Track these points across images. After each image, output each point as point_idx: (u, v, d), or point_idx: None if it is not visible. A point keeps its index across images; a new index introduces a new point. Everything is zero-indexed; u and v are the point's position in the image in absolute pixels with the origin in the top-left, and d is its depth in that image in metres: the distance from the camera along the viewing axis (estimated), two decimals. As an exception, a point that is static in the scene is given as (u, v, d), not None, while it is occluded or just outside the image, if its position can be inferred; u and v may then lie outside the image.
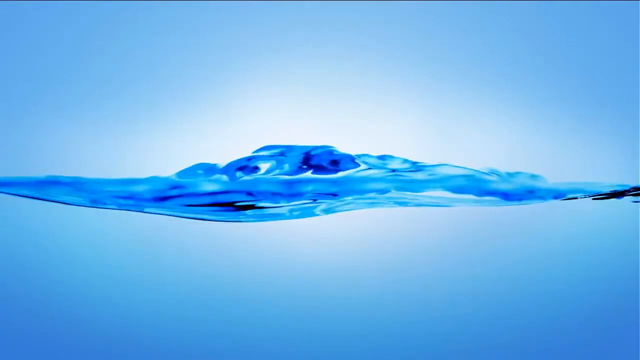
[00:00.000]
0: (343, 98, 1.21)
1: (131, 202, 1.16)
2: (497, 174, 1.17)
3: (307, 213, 1.19)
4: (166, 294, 1.22)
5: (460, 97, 1.21)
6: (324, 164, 1.17)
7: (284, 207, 1.18)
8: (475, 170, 1.17)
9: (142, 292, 1.22)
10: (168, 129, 1.20)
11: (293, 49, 1.21)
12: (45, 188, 1.15)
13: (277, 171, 1.16)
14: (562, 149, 1.20)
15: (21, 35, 1.20)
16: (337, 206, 1.19)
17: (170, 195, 1.15)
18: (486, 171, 1.17)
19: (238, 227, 1.22)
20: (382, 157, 1.18)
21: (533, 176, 1.17)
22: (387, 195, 1.16)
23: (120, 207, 1.17)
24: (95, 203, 1.17)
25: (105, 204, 1.17)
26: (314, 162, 1.16)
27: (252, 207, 1.16)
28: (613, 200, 1.20)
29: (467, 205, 1.19)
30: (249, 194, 1.15)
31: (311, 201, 1.17)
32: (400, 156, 1.19)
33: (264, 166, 1.16)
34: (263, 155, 1.17)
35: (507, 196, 1.16)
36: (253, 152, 1.17)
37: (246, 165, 1.16)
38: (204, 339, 1.22)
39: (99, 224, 1.22)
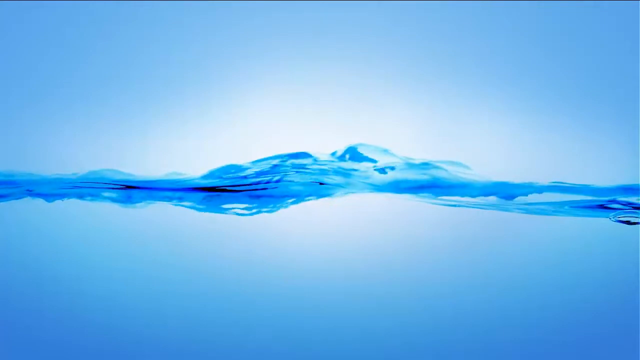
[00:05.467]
0: (343, 99, 1.21)
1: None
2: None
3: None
4: (163, 292, 1.22)
5: (460, 97, 1.21)
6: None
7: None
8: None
9: (140, 290, 1.22)
10: (168, 129, 1.20)
11: (293, 49, 1.21)
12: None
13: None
14: (561, 149, 1.20)
15: (21, 35, 1.20)
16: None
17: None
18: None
19: (234, 224, 1.22)
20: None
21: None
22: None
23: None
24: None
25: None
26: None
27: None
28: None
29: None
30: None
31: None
32: (398, 157, 1.19)
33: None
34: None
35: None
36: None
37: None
38: (200, 338, 1.22)
39: (97, 220, 1.22)
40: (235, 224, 1.21)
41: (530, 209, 1.20)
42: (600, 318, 1.23)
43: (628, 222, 1.18)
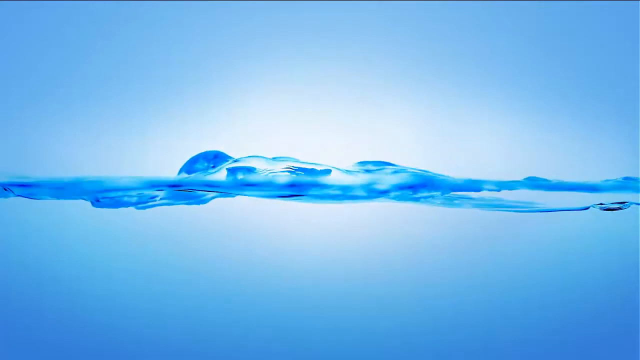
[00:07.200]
0: (343, 99, 1.21)
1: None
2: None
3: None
4: (163, 292, 1.22)
5: (460, 97, 1.21)
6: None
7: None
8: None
9: (140, 290, 1.22)
10: (168, 129, 1.20)
11: (293, 49, 1.21)
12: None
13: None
14: (562, 149, 1.20)
15: (21, 35, 1.20)
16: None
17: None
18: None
19: (234, 224, 1.22)
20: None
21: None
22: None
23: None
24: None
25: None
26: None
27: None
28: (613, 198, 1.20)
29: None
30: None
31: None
32: (394, 162, 1.19)
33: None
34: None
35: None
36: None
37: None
38: (200, 338, 1.22)
39: (97, 220, 1.22)
40: (236, 224, 1.21)
41: (530, 208, 1.20)
42: (600, 318, 1.23)
43: (610, 209, 1.19)
